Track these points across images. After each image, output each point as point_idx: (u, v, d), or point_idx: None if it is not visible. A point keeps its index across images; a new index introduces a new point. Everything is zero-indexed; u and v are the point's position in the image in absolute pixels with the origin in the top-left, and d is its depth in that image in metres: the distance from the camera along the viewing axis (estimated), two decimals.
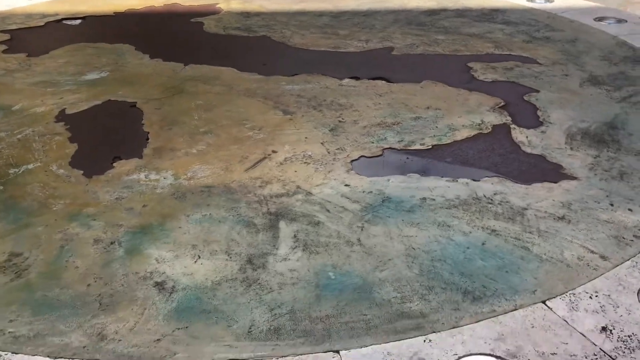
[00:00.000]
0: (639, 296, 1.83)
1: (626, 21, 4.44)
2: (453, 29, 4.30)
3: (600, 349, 1.65)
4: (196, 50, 3.97)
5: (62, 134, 2.87)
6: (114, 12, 4.78)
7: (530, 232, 2.12)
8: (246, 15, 4.69)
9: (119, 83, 3.45)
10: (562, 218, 2.20)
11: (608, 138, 2.76)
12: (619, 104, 3.09)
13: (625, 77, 3.42)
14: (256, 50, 3.99)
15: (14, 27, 4.44)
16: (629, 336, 1.68)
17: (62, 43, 4.10)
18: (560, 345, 1.66)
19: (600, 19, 4.48)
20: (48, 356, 1.65)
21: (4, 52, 3.95)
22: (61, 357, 1.64)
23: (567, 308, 1.79)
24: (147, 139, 2.82)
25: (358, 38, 4.15)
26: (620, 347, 1.65)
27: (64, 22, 4.59)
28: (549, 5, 4.86)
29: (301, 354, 1.64)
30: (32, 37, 4.24)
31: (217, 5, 4.95)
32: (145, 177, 2.50)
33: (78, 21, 4.59)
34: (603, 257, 2.00)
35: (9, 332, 1.73)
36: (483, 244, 2.07)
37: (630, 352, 1.63)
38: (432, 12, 4.70)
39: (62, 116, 3.05)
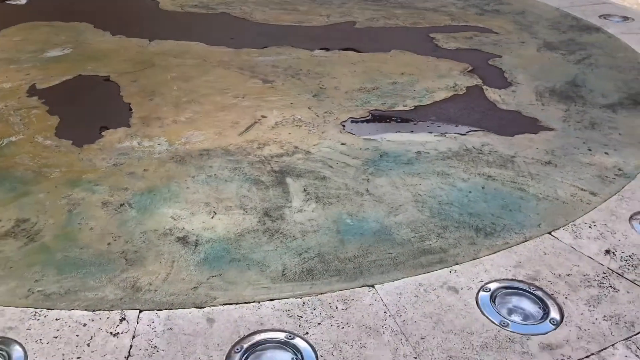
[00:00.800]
0: (630, 223, 2.00)
1: None
2: (408, 4, 4.44)
3: (607, 267, 1.80)
4: (158, 27, 3.90)
5: (39, 108, 2.78)
6: None
7: (523, 176, 2.27)
8: None
9: (85, 59, 3.35)
10: (548, 163, 2.36)
11: (573, 94, 2.97)
12: (575, 66, 3.32)
13: (576, 43, 3.66)
14: (219, 25, 3.97)
15: None
16: (629, 256, 1.85)
17: (13, 22, 3.93)
18: (573, 267, 1.80)
19: None
20: (86, 309, 1.63)
21: None
22: (100, 310, 1.62)
23: (571, 237, 1.94)
24: (131, 109, 2.78)
25: (319, 13, 4.21)
26: (625, 265, 1.81)
27: (8, 2, 4.39)
28: None
29: (338, 290, 1.70)
30: None
31: None
32: (139, 144, 2.47)
33: (24, 1, 4.40)
34: (593, 194, 2.17)
35: (38, 290, 1.69)
36: (483, 187, 2.20)
37: (634, 269, 1.80)
38: None
39: (33, 91, 2.95)
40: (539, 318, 1.63)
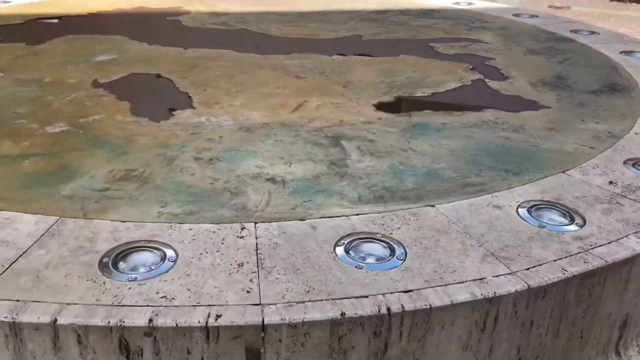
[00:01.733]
0: (624, 165, 2.50)
1: (537, 16, 5.38)
2: (403, 22, 5.00)
3: (613, 192, 2.28)
4: (188, 39, 4.34)
5: (108, 96, 3.16)
6: (87, 13, 5.02)
7: (534, 138, 2.77)
8: (216, 14, 5.12)
9: (132, 62, 3.76)
10: (552, 129, 2.87)
11: (561, 84, 3.51)
12: (558, 65, 3.89)
13: (555, 49, 4.26)
14: (242, 38, 4.44)
15: None
16: (628, 184, 2.34)
17: (54, 35, 4.30)
18: (587, 192, 2.28)
19: (517, 15, 5.39)
20: (211, 223, 2.01)
21: (0, 42, 4.11)
22: (222, 223, 2.01)
23: (581, 174, 2.42)
24: (189, 97, 3.19)
25: (327, 29, 4.72)
26: (625, 190, 2.30)
27: (41, 21, 4.77)
28: (472, 7, 5.73)
29: (407, 208, 2.13)
30: (18, 32, 4.40)
31: (184, 8, 5.33)
32: (207, 120, 2.88)
33: (56, 20, 4.79)
34: (591, 147, 2.67)
35: (166, 212, 2.07)
36: (503, 145, 2.69)
37: (633, 192, 2.28)
38: (379, 12, 5.39)
39: (97, 84, 3.33)
40: (568, 223, 2.08)
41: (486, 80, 3.56)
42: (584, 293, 1.88)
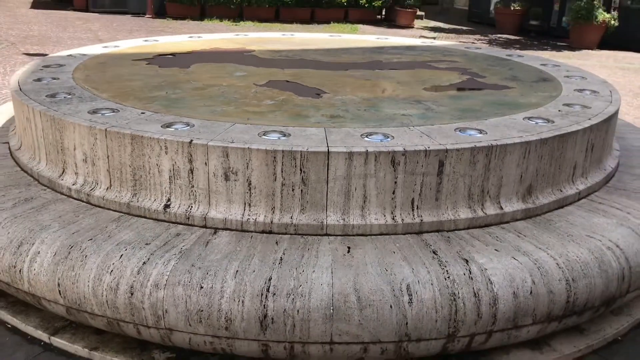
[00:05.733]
0: (563, 105, 5.10)
1: (480, 48, 8.15)
2: (399, 53, 7.56)
3: (564, 111, 4.86)
4: (276, 64, 6.63)
5: (273, 89, 5.40)
6: (187, 51, 7.20)
7: (515, 98, 5.34)
8: (273, 51, 7.45)
9: (261, 75, 6.00)
10: (522, 95, 5.45)
11: (516, 79, 6.15)
12: (510, 71, 6.54)
13: (503, 64, 6.94)
14: (308, 63, 6.79)
15: (137, 58, 6.63)
16: (568, 109, 4.93)
17: (188, 64, 6.44)
18: (550, 113, 4.84)
19: (467, 48, 8.13)
20: (393, 127, 4.35)
21: (160, 66, 6.23)
22: (400, 127, 4.36)
23: (544, 108, 4.98)
24: (319, 89, 5.50)
25: (355, 57, 7.19)
26: (566, 109, 4.88)
27: (162, 56, 6.89)
28: (435, 43, 8.44)
29: (478, 119, 4.57)
30: (161, 62, 6.51)
31: (246, 48, 7.62)
32: (343, 97, 5.20)
33: (171, 56, 6.93)
34: (544, 101, 5.27)
35: (371, 125, 4.38)
36: (503, 101, 5.22)
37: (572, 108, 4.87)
38: (379, 47, 7.94)
39: (259, 85, 5.56)
40: (543, 122, 4.60)
41: (474, 78, 6.15)
42: (547, 148, 4.38)
